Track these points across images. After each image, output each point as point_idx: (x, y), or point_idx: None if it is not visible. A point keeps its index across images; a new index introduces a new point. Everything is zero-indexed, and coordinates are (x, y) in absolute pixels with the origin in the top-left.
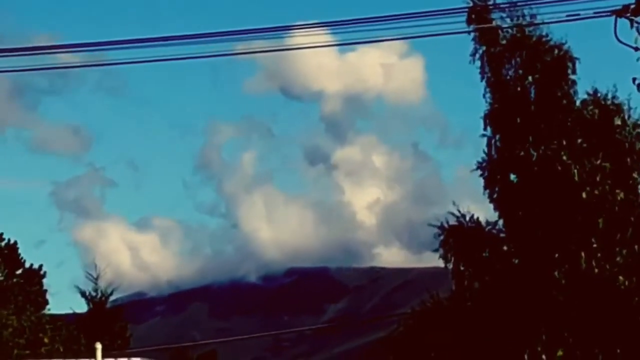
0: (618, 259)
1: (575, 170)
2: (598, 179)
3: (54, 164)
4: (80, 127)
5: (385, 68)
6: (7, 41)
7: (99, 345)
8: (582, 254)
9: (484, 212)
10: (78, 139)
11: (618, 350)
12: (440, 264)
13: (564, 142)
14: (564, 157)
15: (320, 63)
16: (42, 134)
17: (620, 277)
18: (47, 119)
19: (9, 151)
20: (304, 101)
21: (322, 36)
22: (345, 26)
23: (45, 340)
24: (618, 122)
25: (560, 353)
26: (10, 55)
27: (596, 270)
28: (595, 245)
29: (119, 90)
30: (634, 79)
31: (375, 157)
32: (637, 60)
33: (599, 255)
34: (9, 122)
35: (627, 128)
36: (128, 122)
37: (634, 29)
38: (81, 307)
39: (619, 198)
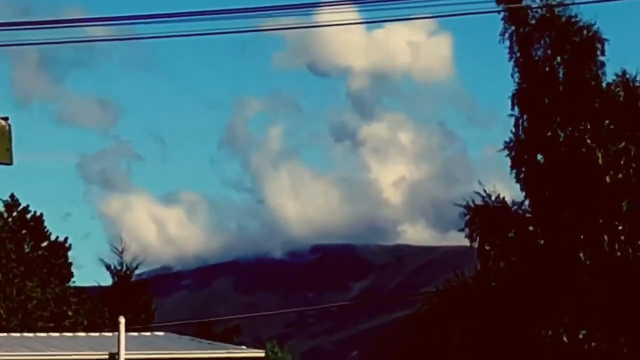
0: None
1: (600, 154)
2: (622, 162)
3: (80, 137)
4: (107, 101)
5: (413, 45)
6: (36, 12)
7: (122, 319)
8: (605, 237)
9: (510, 191)
10: (105, 112)
11: None
12: (466, 242)
13: (591, 125)
14: (589, 141)
15: (348, 40)
16: (69, 107)
17: None
18: (74, 92)
19: (36, 124)
20: (332, 77)
21: (349, 14)
22: (373, 4)
23: (70, 313)
24: None
25: (582, 334)
26: (38, 28)
27: (619, 253)
28: (619, 228)
29: (147, 64)
30: None
31: (401, 135)
32: None
33: (622, 238)
34: (35, 94)
35: None
36: (155, 96)
37: None
38: (106, 280)
39: None
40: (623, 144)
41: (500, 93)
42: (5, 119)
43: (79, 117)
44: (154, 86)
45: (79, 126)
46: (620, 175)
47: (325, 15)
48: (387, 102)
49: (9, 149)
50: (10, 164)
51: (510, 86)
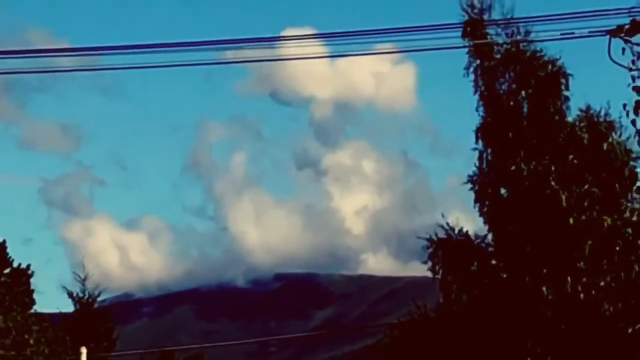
0: (602, 284)
1: (564, 196)
2: (586, 204)
3: (42, 162)
4: (69, 125)
5: (377, 75)
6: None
7: (84, 350)
8: (568, 279)
9: (472, 222)
10: (67, 137)
11: None
12: (429, 273)
13: (555, 159)
14: (553, 183)
15: (311, 69)
16: (31, 131)
17: (605, 303)
18: (37, 117)
19: None
20: (294, 106)
21: (314, 47)
22: (337, 37)
23: (31, 341)
24: (608, 142)
25: None
26: (4, 57)
27: (582, 295)
28: (582, 269)
29: (110, 90)
30: (624, 105)
31: (364, 164)
32: (628, 86)
33: (584, 280)
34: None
35: (617, 149)
36: (118, 122)
37: (628, 49)
38: (68, 306)
39: (605, 224)
40: (588, 185)
41: (464, 124)
42: None
43: (41, 141)
44: (117, 112)
45: (42, 151)
46: (583, 217)
47: (290, 49)
48: (350, 131)
49: None
50: None
51: (474, 117)
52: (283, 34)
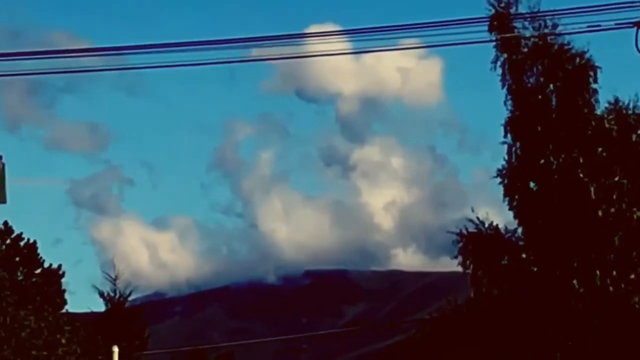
0: (633, 276)
1: (592, 188)
2: (615, 197)
3: (70, 163)
4: (96, 126)
5: (403, 70)
6: (24, 36)
7: (115, 349)
8: (597, 272)
9: (502, 217)
10: (95, 138)
11: None
12: (459, 268)
13: (584, 152)
14: (581, 175)
15: (337, 66)
16: (58, 132)
17: (635, 296)
18: (64, 117)
19: (25, 149)
20: (320, 103)
21: (339, 43)
22: (362, 33)
23: (63, 341)
24: (637, 135)
25: None
26: (29, 58)
27: (611, 289)
28: (611, 262)
29: (135, 89)
30: None
31: (391, 159)
32: None
33: (614, 273)
34: (25, 120)
35: None
36: (144, 121)
37: None
38: (99, 305)
39: (635, 217)
40: (617, 178)
41: (491, 118)
42: None
43: (68, 142)
44: (143, 111)
45: (69, 152)
46: (612, 210)
47: (316, 45)
48: (376, 126)
49: (2, 188)
50: (3, 202)
51: (501, 111)
52: (307, 31)
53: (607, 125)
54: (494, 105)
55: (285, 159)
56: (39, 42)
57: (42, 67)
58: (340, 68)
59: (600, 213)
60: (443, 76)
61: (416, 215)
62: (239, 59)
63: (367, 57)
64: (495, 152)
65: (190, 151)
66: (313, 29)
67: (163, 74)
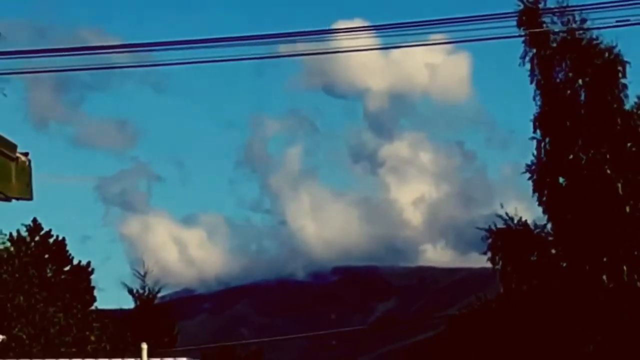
0: None
1: (620, 184)
2: None
3: (99, 160)
4: (124, 123)
5: (431, 66)
6: (51, 33)
7: (144, 346)
8: (625, 268)
9: (531, 213)
10: (123, 135)
11: None
12: (488, 264)
13: (612, 150)
14: (609, 171)
15: (364, 61)
16: (87, 129)
17: None
18: (92, 114)
19: (53, 147)
20: (348, 99)
21: (367, 39)
22: (389, 28)
23: (92, 338)
24: None
25: None
26: (57, 55)
27: (638, 284)
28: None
29: (163, 86)
30: None
31: (420, 155)
32: None
33: None
34: (53, 117)
35: None
36: (172, 118)
37: None
38: (128, 302)
39: None
40: None
41: (520, 113)
42: (26, 154)
43: (96, 139)
44: (171, 107)
45: (97, 149)
46: None
47: (342, 41)
48: (405, 122)
49: (29, 185)
50: (30, 199)
51: (529, 107)
52: (334, 26)
53: (636, 121)
54: (523, 100)
55: (313, 155)
56: (66, 39)
57: (69, 63)
58: (368, 64)
59: (627, 209)
60: (471, 72)
61: (444, 211)
62: (267, 55)
63: (395, 53)
64: (524, 147)
65: (218, 148)
66: (341, 24)
67: (191, 70)
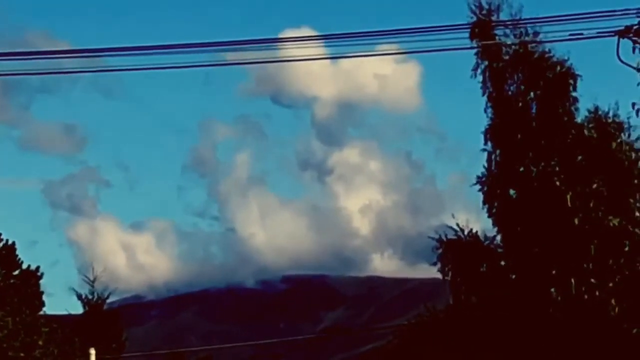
0: (611, 284)
1: (568, 196)
2: (592, 205)
3: (46, 164)
4: (73, 127)
5: (380, 75)
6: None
7: (92, 351)
8: (572, 280)
9: (478, 222)
10: (71, 139)
11: None
12: (438, 275)
13: (563, 162)
14: (557, 183)
15: (313, 70)
16: (34, 133)
17: (612, 302)
18: (40, 118)
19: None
20: (297, 107)
21: (316, 48)
22: (338, 38)
23: (40, 342)
24: (616, 143)
25: None
26: (5, 59)
27: (586, 297)
28: (588, 270)
29: (112, 91)
30: (633, 104)
31: (368, 164)
32: (638, 85)
33: (592, 280)
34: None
35: (626, 149)
36: (121, 123)
37: (637, 50)
38: (76, 308)
39: (611, 224)
40: (595, 185)
41: (470, 125)
42: None
43: (44, 143)
44: (120, 113)
45: (45, 152)
46: (589, 218)
47: (290, 50)
48: (353, 131)
49: None
50: None
51: (481, 118)
52: (282, 35)
53: (587, 134)
54: (474, 112)
55: (261, 162)
56: (14, 42)
57: (18, 67)
58: (317, 72)
59: (576, 221)
60: (422, 82)
61: (393, 220)
62: (215, 63)
63: (345, 62)
64: (473, 158)
65: (166, 153)
66: (288, 32)
67: (140, 76)
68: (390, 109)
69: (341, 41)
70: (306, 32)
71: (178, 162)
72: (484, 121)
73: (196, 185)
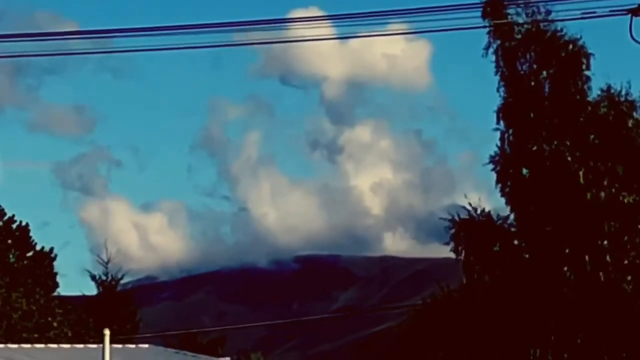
0: (626, 262)
1: (581, 173)
2: (605, 182)
3: (56, 145)
4: (82, 108)
5: (390, 54)
6: (6, 17)
7: (107, 332)
8: (587, 257)
9: (492, 203)
10: (80, 120)
11: (624, 355)
12: (451, 254)
13: (575, 140)
14: (569, 159)
15: (322, 50)
16: (43, 115)
17: (627, 280)
18: (49, 100)
19: (9, 132)
20: (306, 87)
21: (324, 28)
22: (347, 18)
23: (54, 324)
24: (631, 121)
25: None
26: (14, 40)
27: (601, 274)
28: (602, 248)
29: (121, 71)
30: None
31: (379, 143)
32: None
33: (607, 258)
34: (9, 102)
35: (639, 128)
36: (130, 104)
37: None
38: (90, 289)
39: (626, 201)
40: (610, 163)
41: (481, 104)
42: None
43: (54, 124)
44: (129, 93)
45: (55, 134)
46: (602, 194)
47: (300, 30)
48: (361, 111)
49: None
50: None
51: (492, 97)
52: (291, 15)
53: (599, 112)
54: (486, 91)
55: (271, 142)
56: (22, 23)
57: (27, 49)
58: (326, 52)
59: (588, 196)
60: (432, 61)
61: (405, 199)
62: (224, 44)
63: (354, 41)
64: (485, 138)
65: (176, 133)
66: (297, 12)
67: (149, 56)
68: (400, 88)
69: (350, 21)
70: (315, 12)
71: (188, 142)
72: (495, 100)
73: (206, 165)
